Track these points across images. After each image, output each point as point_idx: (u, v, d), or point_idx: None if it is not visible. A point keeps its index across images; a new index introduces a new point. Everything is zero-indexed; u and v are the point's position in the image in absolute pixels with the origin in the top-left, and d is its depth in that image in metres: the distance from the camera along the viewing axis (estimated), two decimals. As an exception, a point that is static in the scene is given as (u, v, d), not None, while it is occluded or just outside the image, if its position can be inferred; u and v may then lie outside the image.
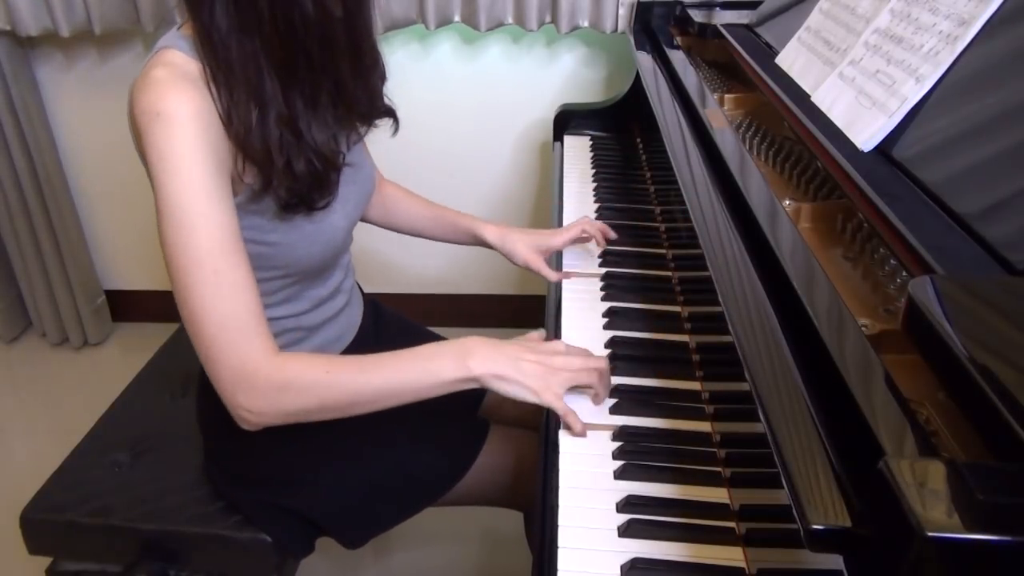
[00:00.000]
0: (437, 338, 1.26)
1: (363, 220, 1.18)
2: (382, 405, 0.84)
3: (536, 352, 0.85)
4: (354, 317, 1.12)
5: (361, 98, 0.94)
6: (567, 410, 0.84)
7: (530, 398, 0.83)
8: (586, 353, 0.89)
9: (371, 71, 0.94)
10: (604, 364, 0.88)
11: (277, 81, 0.81)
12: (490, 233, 1.16)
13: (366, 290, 1.22)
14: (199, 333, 0.78)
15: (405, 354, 0.84)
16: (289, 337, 1.01)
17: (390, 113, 1.05)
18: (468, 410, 1.22)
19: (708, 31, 1.41)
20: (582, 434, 0.84)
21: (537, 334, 0.93)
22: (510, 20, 1.78)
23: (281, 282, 0.95)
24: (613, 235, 1.18)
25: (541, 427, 0.88)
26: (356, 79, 0.90)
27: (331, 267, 1.02)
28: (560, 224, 1.30)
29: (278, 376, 0.80)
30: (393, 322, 1.24)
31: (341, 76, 0.87)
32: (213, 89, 0.79)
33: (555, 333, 1.02)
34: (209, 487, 1.09)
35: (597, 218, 1.31)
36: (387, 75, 1.00)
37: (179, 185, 0.76)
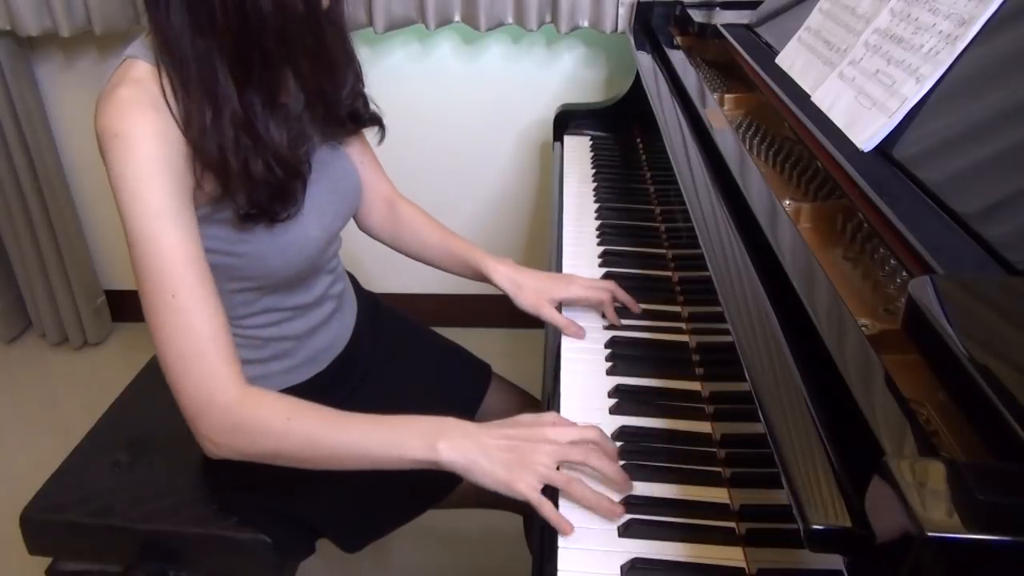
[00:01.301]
0: (438, 339, 1.27)
1: (373, 237, 1.16)
2: (341, 466, 0.79)
3: (514, 437, 0.77)
4: (347, 321, 1.09)
5: (327, 100, 0.92)
6: (541, 501, 0.73)
7: (503, 490, 0.75)
8: (583, 428, 0.79)
9: (336, 71, 0.91)
10: (596, 435, 0.78)
11: (232, 80, 0.79)
12: (499, 275, 1.06)
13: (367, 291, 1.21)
14: (161, 358, 0.78)
15: (375, 419, 0.80)
16: (276, 348, 0.99)
17: (375, 121, 1.03)
18: (466, 414, 1.21)
19: (708, 31, 1.41)
20: (568, 533, 0.72)
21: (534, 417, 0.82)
22: (510, 20, 1.78)
23: (256, 292, 0.93)
24: (637, 308, 1.05)
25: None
26: (319, 79, 0.88)
27: (312, 275, 0.98)
28: (560, 223, 1.29)
29: (235, 414, 0.77)
30: (392, 323, 1.23)
31: (302, 76, 0.85)
32: (170, 96, 0.78)
33: (555, 334, 1.02)
34: (209, 488, 1.09)
35: (597, 218, 1.31)
36: (362, 78, 0.99)
37: (136, 209, 0.75)
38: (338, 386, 1.06)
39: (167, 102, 0.78)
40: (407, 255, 1.16)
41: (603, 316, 1.04)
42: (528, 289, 1.04)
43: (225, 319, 0.80)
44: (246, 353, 0.96)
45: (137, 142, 0.75)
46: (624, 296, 1.04)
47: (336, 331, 1.06)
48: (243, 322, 0.95)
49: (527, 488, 0.74)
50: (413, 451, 0.76)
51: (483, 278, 1.08)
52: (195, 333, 0.76)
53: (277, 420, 0.78)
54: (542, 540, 0.74)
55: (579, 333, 1.00)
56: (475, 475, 0.76)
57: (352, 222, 1.09)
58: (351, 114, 0.99)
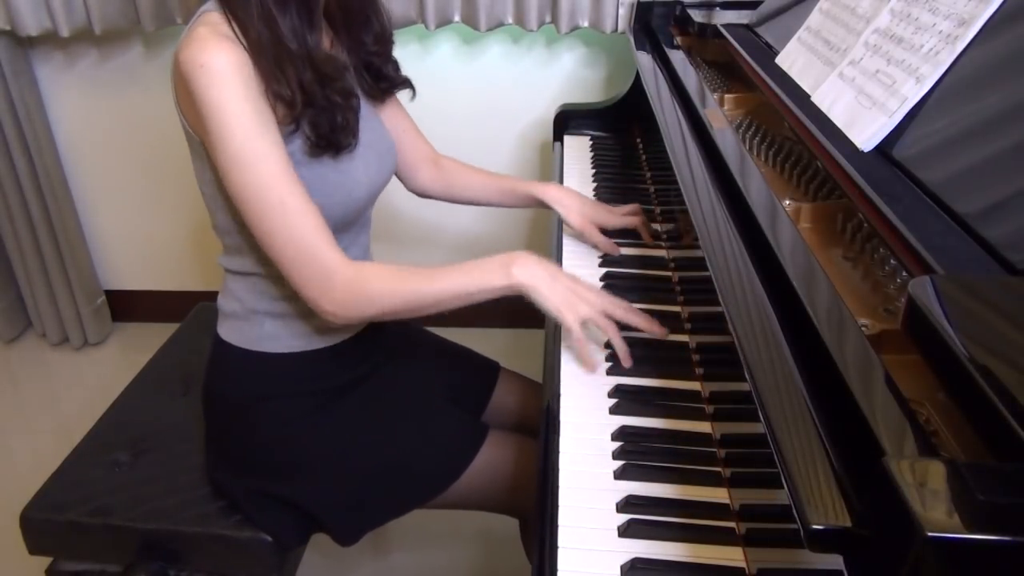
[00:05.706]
0: (445, 341, 1.29)
1: (426, 196, 1.26)
2: (442, 309, 0.92)
3: (576, 281, 0.94)
4: None
5: (360, 49, 1.01)
6: (578, 332, 0.90)
7: (553, 313, 0.91)
8: (620, 304, 0.95)
9: (360, 15, 1.01)
10: (622, 311, 0.94)
11: (280, 14, 0.87)
12: (549, 196, 1.20)
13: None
14: (280, 256, 0.88)
15: (459, 268, 0.93)
16: (292, 307, 1.00)
17: (407, 83, 1.12)
18: (469, 413, 1.22)
19: (708, 31, 1.41)
20: (591, 369, 0.92)
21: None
22: (510, 20, 1.78)
23: None
24: (650, 239, 1.22)
25: (540, 427, 0.88)
26: (348, 19, 0.98)
27: (350, 227, 1.02)
28: (560, 223, 1.30)
29: (353, 289, 0.89)
30: (397, 327, 1.23)
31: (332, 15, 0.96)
32: (239, 32, 0.86)
33: (556, 334, 1.02)
34: (209, 487, 1.09)
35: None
36: (391, 39, 1.07)
37: (236, 130, 0.83)
38: (345, 370, 1.07)
39: (237, 37, 0.86)
40: (461, 202, 1.27)
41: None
42: (575, 212, 1.19)
43: (319, 212, 0.88)
44: (265, 305, 1.01)
45: (223, 69, 0.83)
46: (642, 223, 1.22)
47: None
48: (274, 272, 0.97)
49: (573, 317, 0.90)
50: (494, 280, 0.90)
51: (536, 203, 1.21)
52: (306, 230, 0.87)
53: (386, 287, 0.91)
54: (542, 540, 0.74)
55: (615, 250, 1.18)
56: (537, 295, 0.91)
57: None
58: (382, 75, 1.06)
